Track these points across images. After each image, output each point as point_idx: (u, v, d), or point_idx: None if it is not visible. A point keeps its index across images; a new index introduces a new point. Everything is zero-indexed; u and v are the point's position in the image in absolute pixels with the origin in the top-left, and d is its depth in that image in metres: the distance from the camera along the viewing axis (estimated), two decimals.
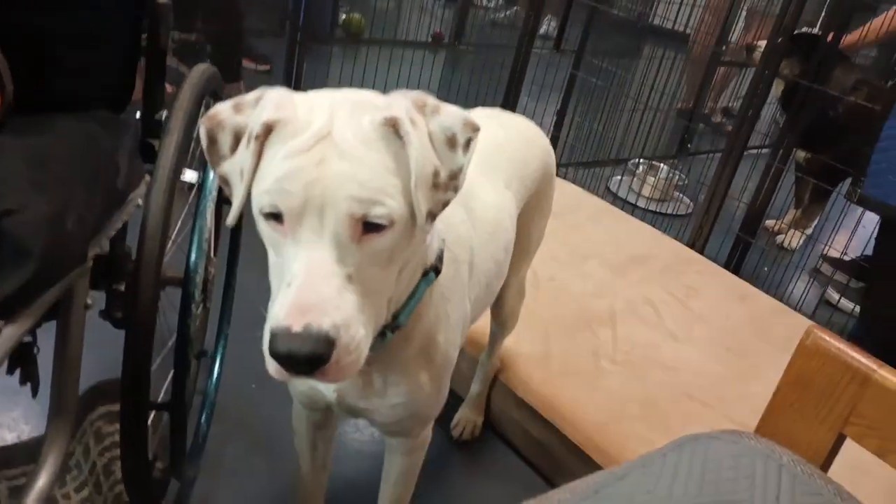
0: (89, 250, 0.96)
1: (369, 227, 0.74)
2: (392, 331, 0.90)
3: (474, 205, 1.14)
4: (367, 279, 0.75)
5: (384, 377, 0.97)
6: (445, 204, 0.79)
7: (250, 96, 0.79)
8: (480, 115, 1.36)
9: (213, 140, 0.79)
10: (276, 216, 0.73)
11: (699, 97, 4.10)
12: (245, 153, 0.75)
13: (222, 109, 0.79)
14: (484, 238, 1.16)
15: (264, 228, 0.76)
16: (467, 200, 1.10)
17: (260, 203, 0.74)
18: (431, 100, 0.80)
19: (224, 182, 0.80)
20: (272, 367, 0.73)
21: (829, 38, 2.49)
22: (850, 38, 3.00)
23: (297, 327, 0.69)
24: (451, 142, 0.78)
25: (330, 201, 0.71)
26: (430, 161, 0.76)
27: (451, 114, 0.80)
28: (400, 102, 0.77)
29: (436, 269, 0.94)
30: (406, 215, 0.76)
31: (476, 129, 0.81)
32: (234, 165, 0.77)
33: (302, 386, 1.04)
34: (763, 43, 3.10)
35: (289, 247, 0.73)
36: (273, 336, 0.70)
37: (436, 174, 0.77)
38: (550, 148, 1.47)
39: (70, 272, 0.90)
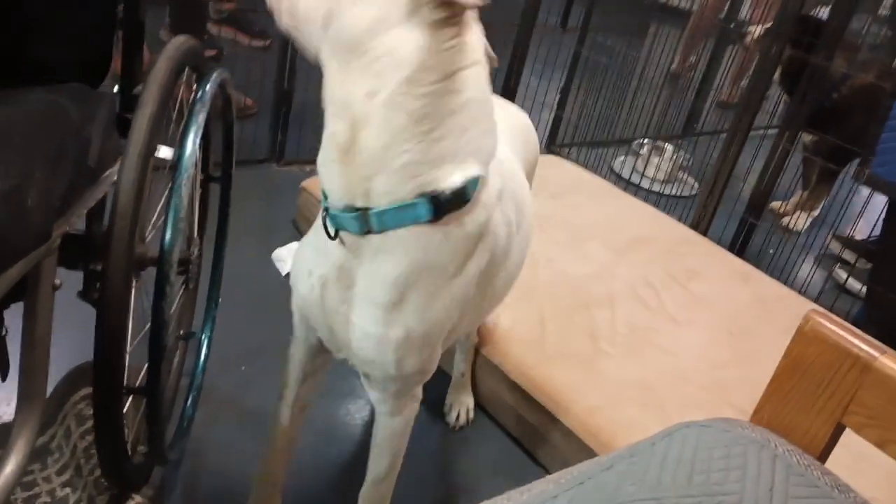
0: (55, 228, 0.92)
1: None
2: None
3: (513, 185, 1.11)
4: None
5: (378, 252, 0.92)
6: None
7: None
8: None
9: None
10: None
11: (685, 60, 4.06)
12: None
13: None
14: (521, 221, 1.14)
15: None
16: (509, 179, 1.07)
17: None
18: None
19: None
20: None
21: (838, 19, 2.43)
22: None
23: None
24: None
25: None
26: None
27: None
28: None
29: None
30: None
31: None
32: None
33: (304, 287, 1.02)
34: (754, 28, 3.05)
35: None
36: None
37: None
38: (536, 137, 1.47)
39: (32, 251, 0.86)
